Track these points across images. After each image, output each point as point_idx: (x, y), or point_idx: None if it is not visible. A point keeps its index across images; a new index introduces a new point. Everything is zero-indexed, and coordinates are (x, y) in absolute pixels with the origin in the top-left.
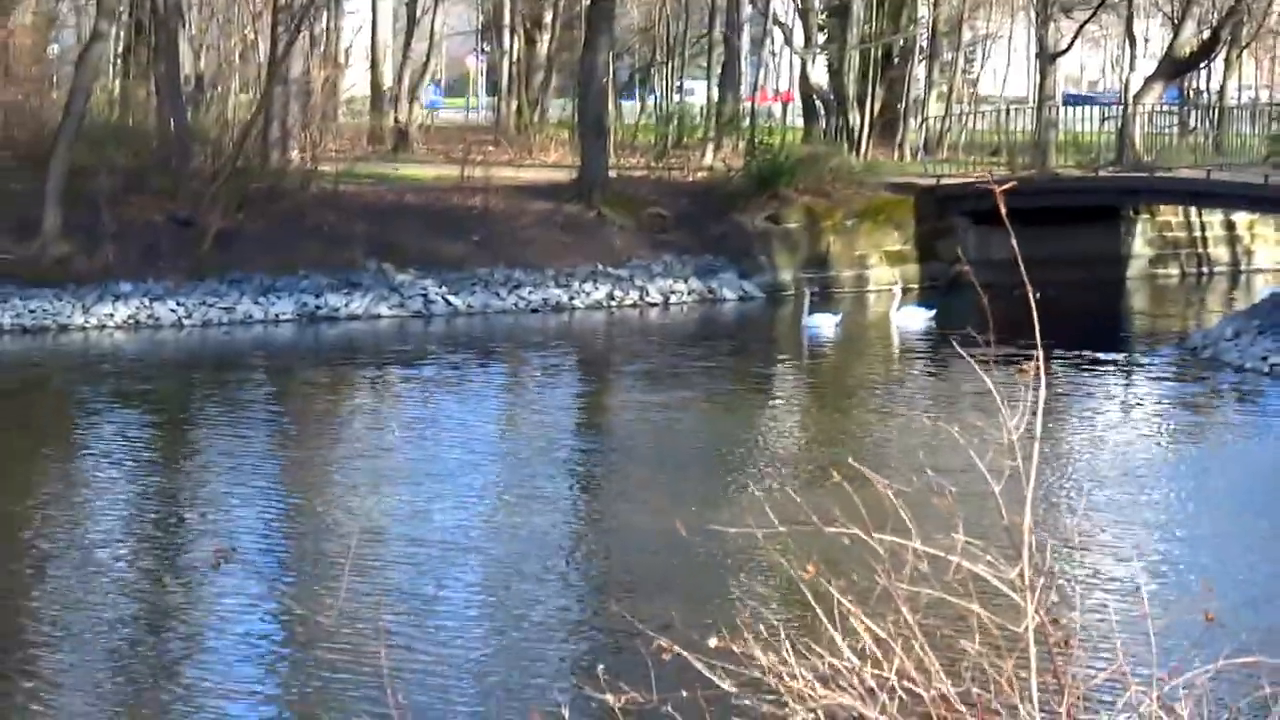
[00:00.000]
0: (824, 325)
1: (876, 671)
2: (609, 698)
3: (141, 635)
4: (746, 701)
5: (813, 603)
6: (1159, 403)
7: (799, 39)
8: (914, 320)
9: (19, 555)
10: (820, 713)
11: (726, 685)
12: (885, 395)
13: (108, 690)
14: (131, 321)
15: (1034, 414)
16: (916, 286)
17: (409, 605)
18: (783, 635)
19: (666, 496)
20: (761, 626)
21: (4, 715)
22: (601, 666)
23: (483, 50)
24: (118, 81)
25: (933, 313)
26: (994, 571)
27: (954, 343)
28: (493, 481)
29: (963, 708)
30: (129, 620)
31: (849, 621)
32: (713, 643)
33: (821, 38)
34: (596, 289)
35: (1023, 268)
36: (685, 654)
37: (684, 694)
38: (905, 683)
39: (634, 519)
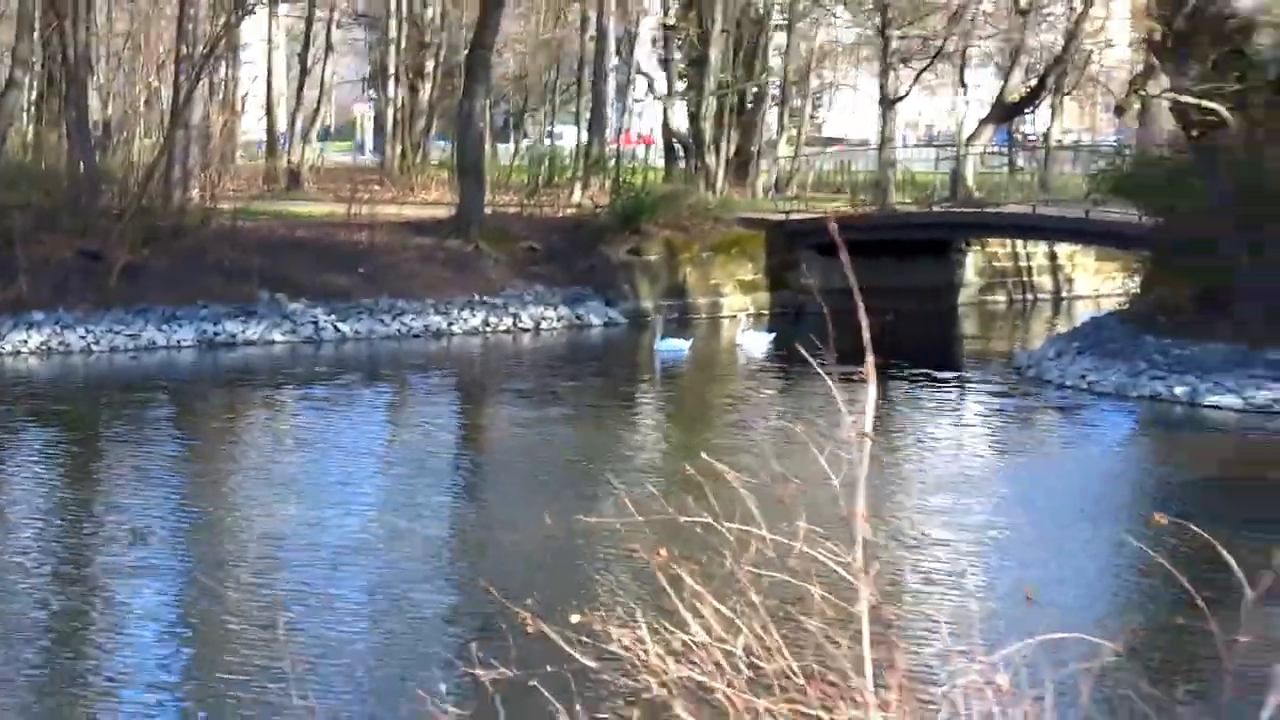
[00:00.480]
0: (675, 349)
1: (724, 648)
2: (480, 672)
3: (56, 629)
4: (605, 676)
5: (667, 587)
6: (988, 416)
7: (660, 87)
8: (757, 344)
9: None
10: (672, 686)
11: (586, 660)
12: (732, 408)
13: (24, 683)
14: (44, 348)
15: (867, 413)
16: (767, 313)
17: (306, 600)
18: (639, 616)
19: (539, 500)
20: (620, 609)
21: None
22: (474, 645)
23: (369, 97)
24: (31, 127)
25: (773, 336)
26: (832, 556)
27: (800, 349)
28: (380, 491)
29: (803, 680)
30: (44, 616)
31: (700, 603)
32: (574, 618)
33: (681, 85)
34: (473, 316)
35: (858, 293)
36: (547, 630)
37: (548, 668)
38: (750, 658)
39: (510, 521)
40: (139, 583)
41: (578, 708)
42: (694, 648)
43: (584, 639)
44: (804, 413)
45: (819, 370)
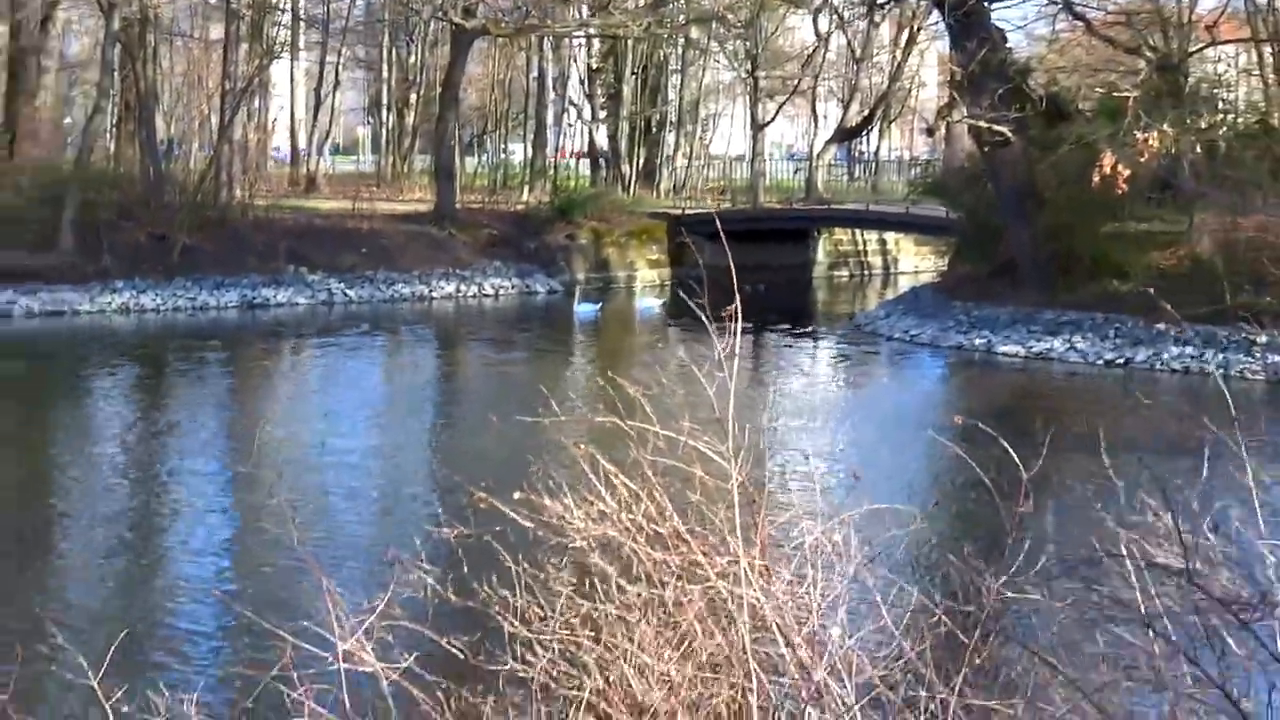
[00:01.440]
0: (589, 310)
1: (630, 515)
2: (445, 531)
3: (129, 512)
4: (541, 534)
5: (587, 470)
6: (834, 359)
7: (587, 114)
8: (651, 306)
9: (39, 454)
10: (590, 541)
11: (526, 524)
12: (637, 348)
13: (99, 563)
14: (124, 308)
15: (734, 339)
16: (669, 284)
17: (320, 490)
18: (567, 491)
19: (496, 414)
20: (553, 486)
21: (15, 585)
22: (441, 510)
23: (368, 121)
24: (113, 143)
25: (661, 302)
26: (710, 446)
27: (692, 304)
28: (377, 411)
29: (689, 538)
30: (121, 507)
31: (613, 480)
32: (516, 495)
33: (602, 113)
34: (448, 285)
35: (733, 267)
36: (496, 504)
37: (496, 529)
38: (650, 522)
39: (474, 429)
40: (193, 477)
41: (519, 556)
42: (607, 514)
43: (524, 510)
44: (692, 348)
45: (698, 312)
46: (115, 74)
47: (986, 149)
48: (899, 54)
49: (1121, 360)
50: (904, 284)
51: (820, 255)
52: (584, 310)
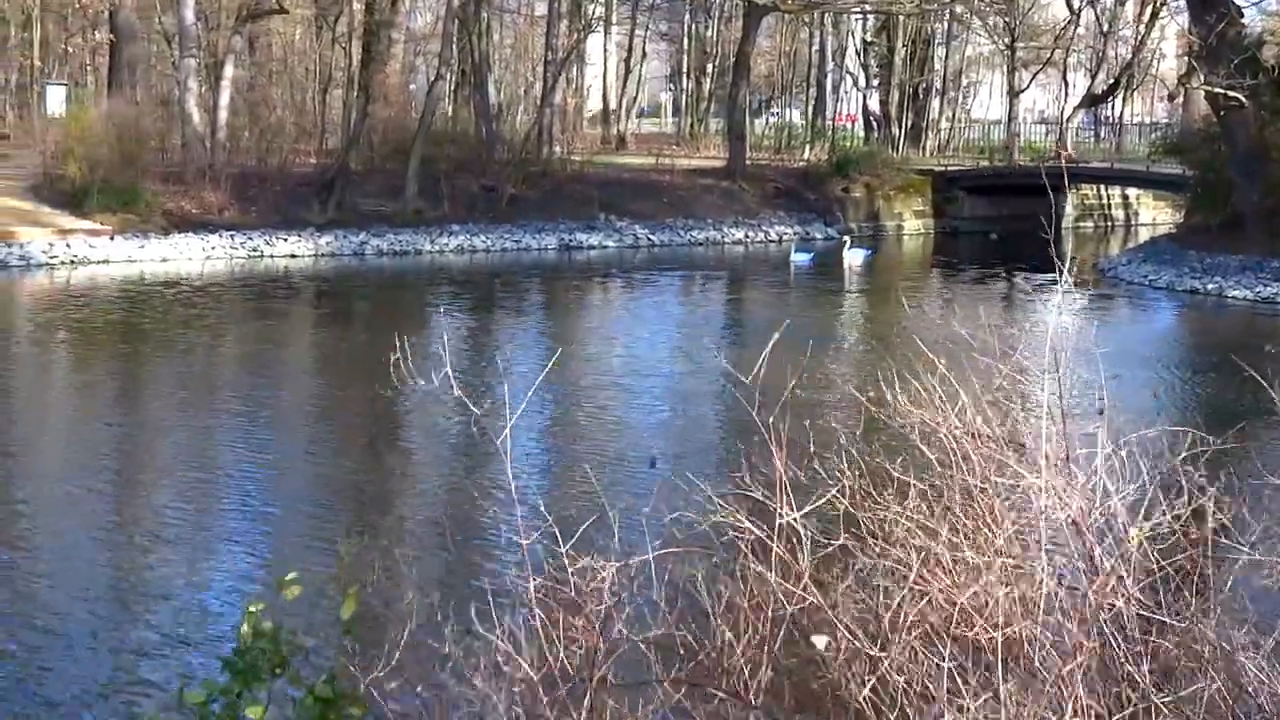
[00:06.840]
0: (808, 260)
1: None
2: (773, 423)
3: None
4: (881, 420)
5: (905, 374)
6: (1081, 300)
7: (862, 82)
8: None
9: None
10: (912, 426)
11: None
12: (899, 288)
13: (447, 460)
14: (459, 248)
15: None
16: (932, 232)
17: (602, 410)
18: (896, 384)
19: (790, 339)
20: (876, 381)
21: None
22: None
23: (670, 87)
24: (451, 106)
25: (811, 255)
26: (1023, 365)
27: (991, 235)
28: (676, 338)
29: (996, 433)
30: (448, 416)
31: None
32: (866, 398)
33: (876, 81)
34: (737, 231)
35: (1050, 217)
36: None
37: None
38: (964, 416)
39: (767, 361)
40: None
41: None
42: (926, 404)
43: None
44: (961, 289)
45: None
46: (454, 46)
47: (1221, 113)
48: (1143, 28)
49: None
50: (1143, 235)
51: (1069, 209)
52: (803, 260)
